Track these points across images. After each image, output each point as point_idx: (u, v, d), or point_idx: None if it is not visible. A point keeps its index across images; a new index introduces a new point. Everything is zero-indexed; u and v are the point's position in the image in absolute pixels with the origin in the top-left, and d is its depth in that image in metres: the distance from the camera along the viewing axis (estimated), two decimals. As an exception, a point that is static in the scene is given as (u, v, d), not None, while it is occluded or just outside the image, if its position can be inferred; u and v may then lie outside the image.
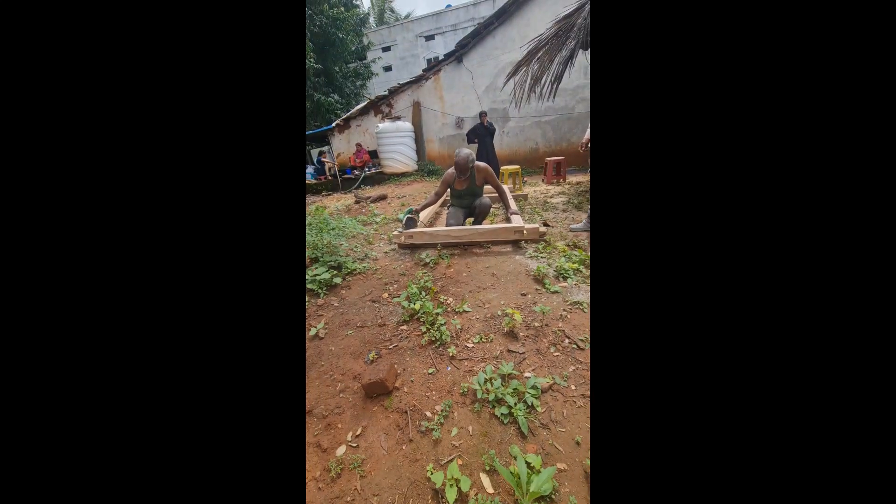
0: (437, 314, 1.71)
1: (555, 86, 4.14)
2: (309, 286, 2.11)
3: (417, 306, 1.73)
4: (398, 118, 7.36)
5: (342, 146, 8.27)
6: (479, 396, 1.19)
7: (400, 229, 2.77)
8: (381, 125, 7.11)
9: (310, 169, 7.71)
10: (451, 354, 1.43)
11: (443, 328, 1.58)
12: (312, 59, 9.27)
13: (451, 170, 2.90)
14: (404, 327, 1.69)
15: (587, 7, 3.76)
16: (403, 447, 1.09)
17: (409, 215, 2.74)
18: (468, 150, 2.76)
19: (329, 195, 6.64)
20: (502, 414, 1.13)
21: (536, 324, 1.59)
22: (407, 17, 16.55)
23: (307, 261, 2.41)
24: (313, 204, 5.21)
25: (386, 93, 7.76)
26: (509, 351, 1.43)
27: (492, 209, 3.72)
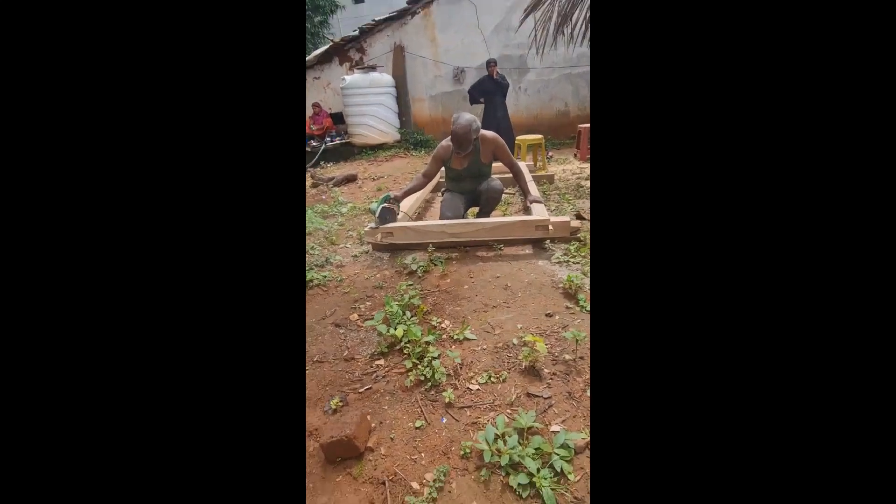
0: (428, 343, 1.70)
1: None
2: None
3: (399, 332, 1.73)
4: (373, 68, 7.37)
5: (294, 107, 8.27)
6: (486, 460, 1.19)
7: (373, 224, 2.76)
8: (348, 78, 7.13)
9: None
10: (447, 400, 1.43)
11: (435, 363, 1.57)
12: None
13: (447, 141, 2.92)
14: (381, 362, 1.68)
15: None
16: (379, 533, 1.08)
17: (385, 204, 2.74)
18: (471, 115, 2.77)
19: (275, 176, 6.64)
20: (520, 485, 1.12)
21: (567, 356, 1.59)
22: (385, -72, 16.63)
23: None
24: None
25: (356, 33, 7.79)
26: (529, 395, 1.43)
27: (504, 196, 3.72)
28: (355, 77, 7.18)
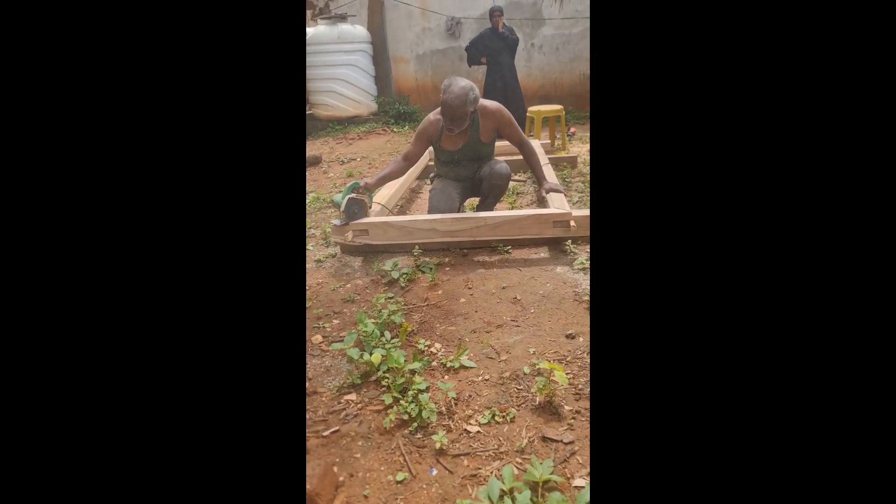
0: (414, 372, 1.71)
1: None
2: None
3: (376, 358, 1.73)
4: (342, 18, 7.40)
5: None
6: (489, 523, 1.19)
7: (339, 220, 2.77)
8: (311, 30, 7.14)
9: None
10: (437, 446, 1.43)
11: (423, 398, 1.57)
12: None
13: (435, 115, 2.93)
14: (352, 397, 1.69)
15: None
16: None
17: (351, 195, 2.74)
18: (467, 82, 2.77)
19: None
20: (533, 555, 1.13)
21: (594, 389, 1.60)
22: None
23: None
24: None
25: (320, -28, 7.81)
26: (545, 439, 1.44)
27: (512, 183, 3.74)
28: (319, 30, 7.20)
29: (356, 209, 2.74)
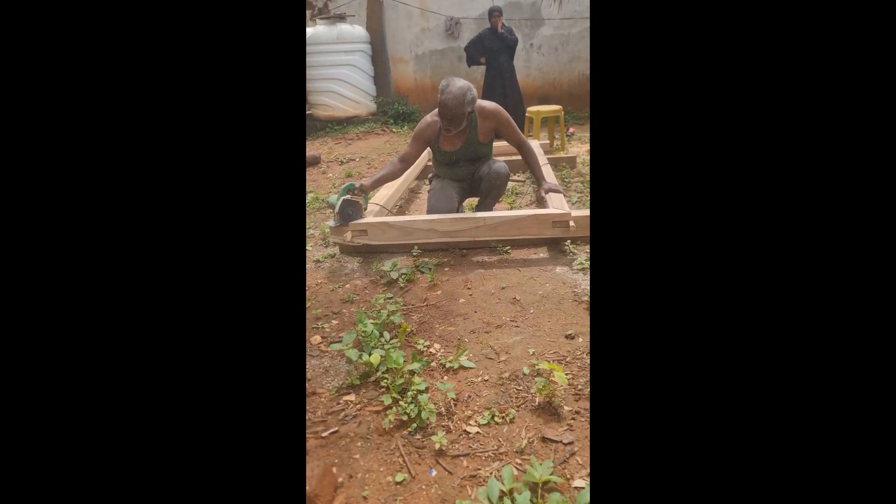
0: (413, 373, 1.71)
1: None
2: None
3: (375, 359, 1.73)
4: (341, 18, 7.41)
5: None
6: (489, 524, 1.19)
7: (334, 221, 2.77)
8: (309, 30, 7.14)
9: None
10: (437, 447, 1.43)
11: (422, 399, 1.57)
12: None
13: (432, 116, 2.93)
14: (351, 398, 1.69)
15: None
16: None
17: (346, 196, 2.73)
18: (464, 82, 2.77)
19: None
20: (532, 556, 1.13)
21: (593, 390, 1.60)
22: None
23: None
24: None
25: (319, -28, 7.81)
26: (545, 440, 1.44)
27: (511, 183, 3.74)
28: (318, 30, 7.20)
29: (351, 211, 2.73)
